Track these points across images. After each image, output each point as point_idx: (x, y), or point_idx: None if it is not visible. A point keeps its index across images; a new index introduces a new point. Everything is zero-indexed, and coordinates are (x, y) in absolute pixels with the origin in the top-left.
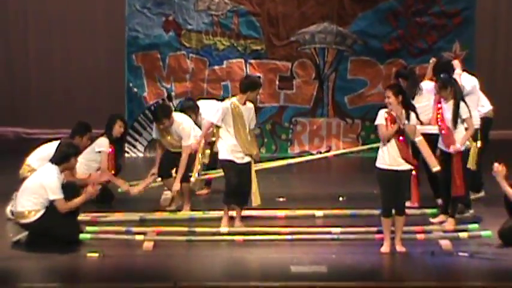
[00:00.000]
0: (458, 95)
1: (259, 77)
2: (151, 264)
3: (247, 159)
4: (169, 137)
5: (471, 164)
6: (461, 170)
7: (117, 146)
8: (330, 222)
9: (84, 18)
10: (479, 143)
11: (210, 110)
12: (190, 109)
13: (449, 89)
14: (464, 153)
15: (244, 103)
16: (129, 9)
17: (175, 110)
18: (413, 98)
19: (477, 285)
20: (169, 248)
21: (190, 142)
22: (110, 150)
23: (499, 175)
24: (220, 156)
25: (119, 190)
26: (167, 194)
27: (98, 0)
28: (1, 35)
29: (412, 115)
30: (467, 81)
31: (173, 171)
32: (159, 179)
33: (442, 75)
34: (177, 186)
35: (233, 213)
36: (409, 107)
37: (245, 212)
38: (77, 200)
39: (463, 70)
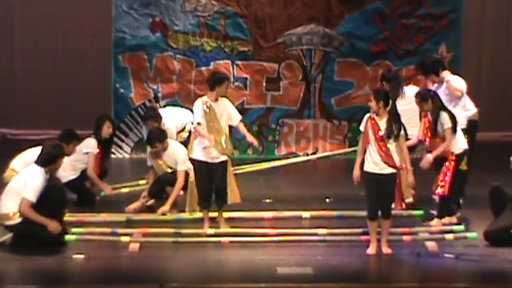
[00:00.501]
0: (437, 107)
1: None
2: (137, 266)
3: (222, 157)
4: (160, 162)
5: (461, 165)
6: (452, 172)
7: (105, 148)
8: (316, 223)
9: (71, 19)
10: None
11: (172, 118)
12: (153, 118)
13: (430, 101)
14: (460, 156)
15: (217, 100)
16: (116, 10)
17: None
18: (394, 101)
19: (463, 286)
20: (155, 250)
21: (186, 167)
22: (98, 151)
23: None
24: (193, 155)
25: (102, 194)
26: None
27: (85, 1)
28: None
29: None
30: (460, 82)
31: None
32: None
33: (420, 91)
34: (166, 208)
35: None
36: (392, 117)
37: (233, 214)
38: (39, 218)
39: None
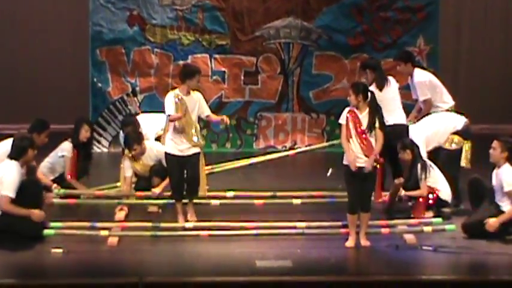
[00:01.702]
0: (415, 159)
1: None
2: (116, 260)
3: (193, 150)
4: (140, 164)
5: (464, 162)
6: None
7: (83, 151)
8: (296, 216)
9: (48, 13)
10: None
11: (150, 124)
12: (131, 125)
13: (409, 152)
14: (456, 153)
15: (188, 93)
16: (93, 4)
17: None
18: (381, 90)
19: (441, 278)
20: (134, 243)
21: None
22: (73, 154)
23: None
24: (165, 149)
25: (81, 197)
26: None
27: None
28: None
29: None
30: (422, 75)
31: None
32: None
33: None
34: (157, 190)
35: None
36: (372, 110)
37: (223, 201)
38: (21, 211)
39: (415, 66)
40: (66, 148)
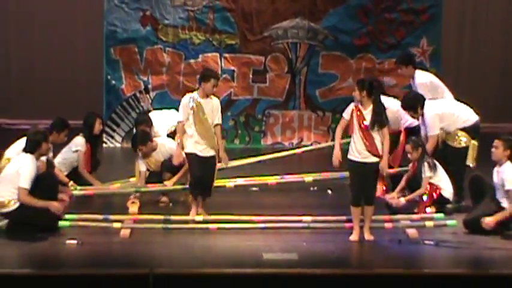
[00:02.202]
0: (422, 158)
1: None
2: (128, 251)
3: (211, 152)
4: (153, 160)
5: (470, 161)
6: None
7: (95, 143)
8: (301, 210)
9: (64, 13)
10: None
11: (161, 120)
12: (145, 123)
13: (420, 149)
14: (462, 152)
15: (207, 96)
16: (108, 4)
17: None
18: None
19: (442, 272)
20: (145, 236)
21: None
22: (87, 149)
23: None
24: (185, 150)
25: None
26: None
27: None
28: None
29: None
30: (423, 77)
31: None
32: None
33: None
34: (170, 182)
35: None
36: (377, 108)
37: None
38: (39, 202)
39: (416, 68)
40: (80, 143)
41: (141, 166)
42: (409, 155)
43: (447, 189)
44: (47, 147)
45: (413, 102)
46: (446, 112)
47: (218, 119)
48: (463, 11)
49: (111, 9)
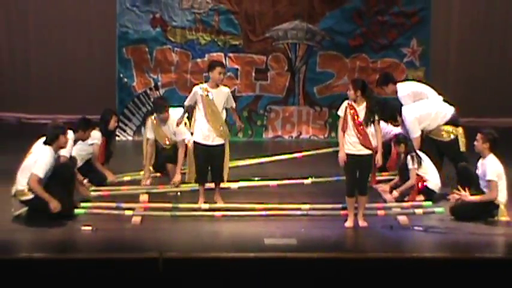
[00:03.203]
0: (408, 151)
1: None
2: (139, 237)
3: (219, 140)
4: (161, 131)
5: (463, 147)
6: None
7: (109, 137)
8: (300, 199)
9: (80, 15)
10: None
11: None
12: (164, 108)
13: (403, 145)
14: (455, 142)
15: (217, 86)
16: (120, 8)
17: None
18: None
19: (431, 256)
20: (155, 222)
21: (185, 137)
22: (102, 142)
23: None
24: (193, 138)
25: (106, 181)
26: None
27: (92, 0)
28: (5, 29)
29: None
30: (404, 89)
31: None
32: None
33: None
34: (177, 177)
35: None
36: (371, 105)
37: (241, 184)
38: (44, 195)
39: (395, 83)
40: (96, 136)
41: (149, 133)
42: (394, 149)
43: (433, 180)
44: (64, 140)
45: (391, 113)
46: (424, 113)
47: (231, 103)
48: (449, 14)
49: (123, 12)
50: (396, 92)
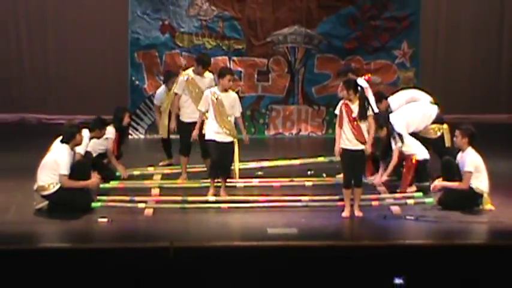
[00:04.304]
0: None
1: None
2: (152, 228)
3: (229, 138)
4: (196, 88)
5: (448, 143)
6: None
7: (122, 134)
8: (300, 191)
9: (95, 23)
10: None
11: None
12: (174, 77)
13: (385, 129)
14: (442, 138)
15: (226, 91)
16: (132, 15)
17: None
18: None
19: (422, 243)
20: (166, 214)
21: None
22: (116, 136)
23: None
24: (206, 136)
25: (117, 173)
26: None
27: (106, 8)
28: (26, 37)
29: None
30: (395, 103)
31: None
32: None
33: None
34: (182, 180)
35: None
36: (362, 102)
37: (247, 180)
38: (80, 183)
39: (386, 98)
40: (110, 131)
41: (179, 88)
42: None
43: (420, 153)
44: (80, 138)
45: (382, 122)
46: (410, 119)
47: (238, 112)
48: (437, 18)
49: (134, 19)
50: (389, 106)
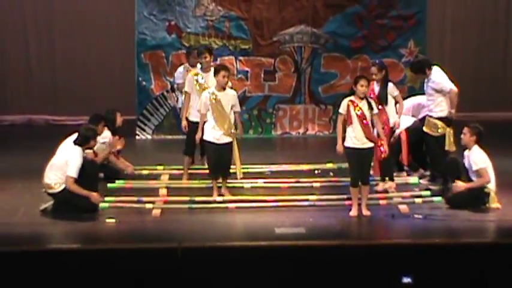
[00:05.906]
0: (385, 80)
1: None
2: (159, 228)
3: (227, 139)
4: (210, 77)
5: (449, 146)
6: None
7: (119, 134)
8: (307, 190)
9: (102, 24)
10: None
11: None
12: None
13: (384, 72)
14: (441, 139)
15: (223, 89)
16: (138, 16)
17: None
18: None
19: (430, 241)
20: (174, 214)
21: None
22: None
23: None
24: (204, 138)
25: (124, 172)
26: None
27: (113, 9)
28: (35, 39)
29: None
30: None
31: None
32: None
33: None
34: (185, 180)
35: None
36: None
37: (254, 181)
38: (82, 191)
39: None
40: (105, 135)
41: (188, 87)
42: (373, 76)
43: (392, 118)
44: (94, 143)
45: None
46: (416, 104)
47: (237, 107)
48: (443, 17)
49: (141, 20)
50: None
